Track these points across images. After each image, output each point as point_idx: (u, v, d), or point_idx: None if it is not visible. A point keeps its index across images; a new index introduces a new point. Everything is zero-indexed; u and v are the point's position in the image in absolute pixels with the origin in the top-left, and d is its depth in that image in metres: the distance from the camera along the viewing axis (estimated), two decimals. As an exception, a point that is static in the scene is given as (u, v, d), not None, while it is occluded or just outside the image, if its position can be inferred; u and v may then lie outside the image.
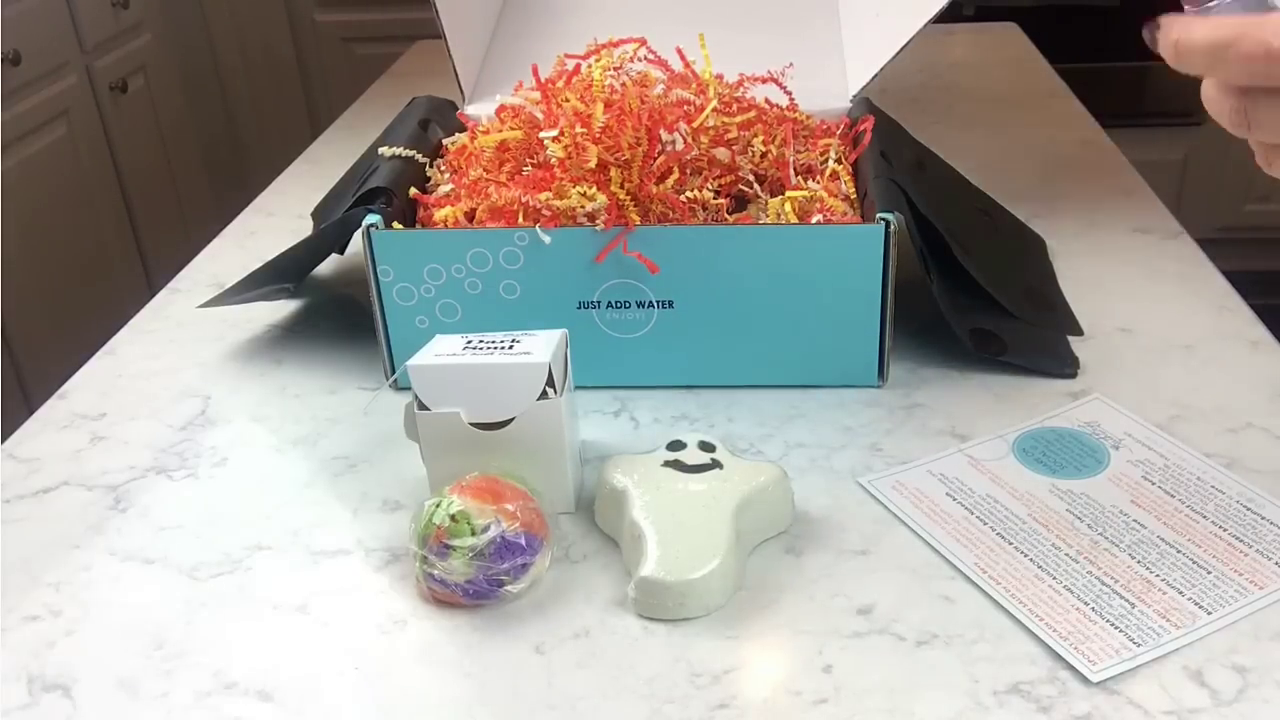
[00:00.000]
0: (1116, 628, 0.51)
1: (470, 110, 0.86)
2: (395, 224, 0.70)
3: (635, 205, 0.68)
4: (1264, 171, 0.42)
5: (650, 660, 0.52)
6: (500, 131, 0.75)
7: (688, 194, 0.70)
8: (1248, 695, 0.48)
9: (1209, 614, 0.52)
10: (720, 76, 0.78)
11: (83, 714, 0.51)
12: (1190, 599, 0.53)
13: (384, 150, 0.77)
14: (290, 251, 0.78)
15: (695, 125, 0.73)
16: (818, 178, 0.75)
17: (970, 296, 0.73)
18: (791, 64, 0.80)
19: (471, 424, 0.59)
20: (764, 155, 0.75)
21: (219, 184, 2.32)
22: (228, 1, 2.37)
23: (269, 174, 1.12)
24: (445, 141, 0.82)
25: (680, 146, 0.71)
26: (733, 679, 0.50)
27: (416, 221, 0.74)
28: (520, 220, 0.69)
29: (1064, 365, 0.72)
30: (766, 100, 0.79)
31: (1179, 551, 0.56)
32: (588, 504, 0.62)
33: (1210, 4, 0.40)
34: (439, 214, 0.72)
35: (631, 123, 0.69)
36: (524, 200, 0.69)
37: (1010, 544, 0.57)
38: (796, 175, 0.75)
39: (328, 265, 0.89)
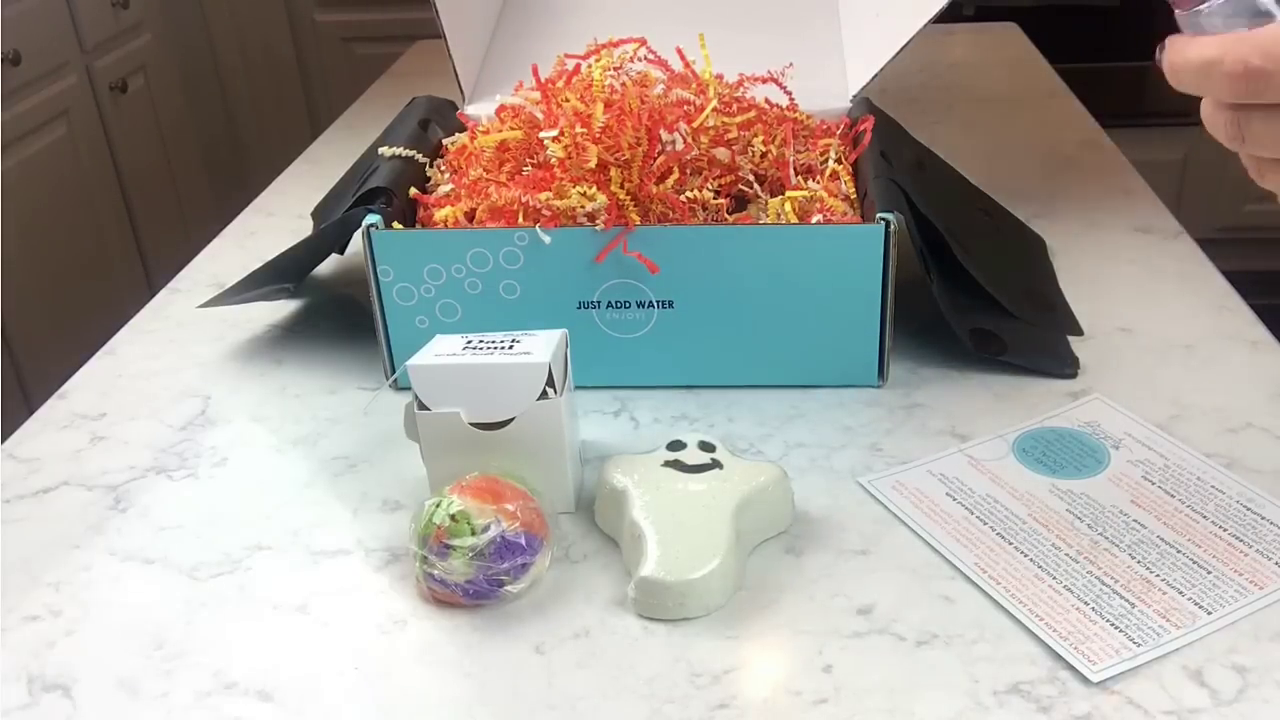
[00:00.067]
0: (1116, 628, 0.51)
1: (470, 110, 0.86)
2: (395, 224, 0.70)
3: (635, 205, 0.68)
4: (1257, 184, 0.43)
5: (650, 660, 0.52)
6: (500, 131, 0.75)
7: (688, 194, 0.70)
8: (1248, 695, 0.48)
9: (1209, 614, 0.52)
10: (720, 76, 0.78)
11: (83, 714, 0.51)
12: (1190, 599, 0.53)
13: (384, 150, 0.77)
14: (290, 251, 0.78)
15: (695, 125, 0.73)
16: (818, 178, 0.75)
17: (970, 296, 0.73)
18: (791, 64, 0.80)
19: (471, 424, 0.59)
20: (764, 155, 0.75)
21: (219, 184, 2.32)
22: (228, 1, 2.37)
23: (269, 174, 1.12)
24: (445, 141, 0.82)
25: (680, 146, 0.71)
26: (733, 679, 0.50)
27: (416, 221, 0.74)
28: (520, 220, 0.69)
29: (1064, 365, 0.72)
30: (766, 100, 0.79)
31: (1179, 551, 0.56)
32: (588, 504, 0.62)
33: (1201, 8, 0.40)
34: (439, 214, 0.72)
35: (631, 123, 0.69)
36: (524, 200, 0.69)
37: (1010, 544, 0.57)
38: (796, 175, 0.75)
39: (328, 265, 0.89)
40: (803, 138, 0.79)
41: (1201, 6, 0.40)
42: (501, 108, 0.78)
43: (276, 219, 1.01)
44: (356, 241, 0.71)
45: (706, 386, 0.72)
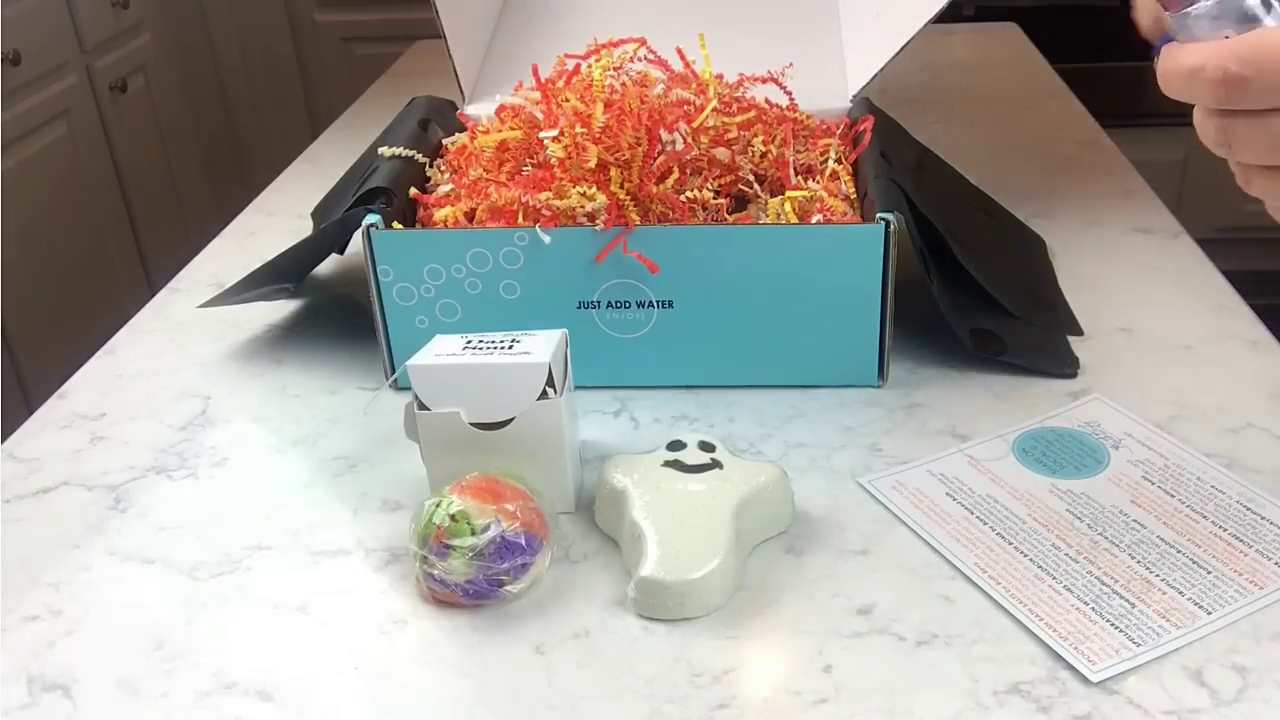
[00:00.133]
0: (1116, 628, 0.51)
1: (470, 110, 0.86)
2: (395, 224, 0.70)
3: (635, 205, 0.68)
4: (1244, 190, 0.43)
5: (650, 660, 0.52)
6: (500, 131, 0.75)
7: (688, 194, 0.70)
8: (1248, 695, 0.48)
9: (1209, 614, 0.52)
10: (720, 76, 0.78)
11: (83, 714, 0.51)
12: (1190, 599, 0.53)
13: (384, 150, 0.77)
14: (290, 251, 0.78)
15: (695, 125, 0.72)
16: (818, 178, 0.75)
17: (970, 296, 0.73)
18: (791, 64, 0.80)
19: (471, 424, 0.59)
20: (764, 155, 0.75)
21: (219, 184, 2.32)
22: (228, 1, 2.37)
23: (269, 174, 1.12)
24: (445, 141, 0.82)
25: (680, 146, 0.71)
26: (733, 679, 0.50)
27: (416, 221, 0.74)
28: (520, 220, 0.69)
29: (1064, 365, 0.72)
30: (766, 100, 0.79)
31: (1179, 551, 0.56)
32: (588, 504, 0.62)
33: (1188, 10, 0.40)
34: (439, 214, 0.72)
35: (631, 123, 0.69)
36: (524, 200, 0.69)
37: (1010, 544, 0.57)
38: (796, 175, 0.75)
39: (328, 265, 0.89)
40: (803, 138, 0.79)
41: (1189, 10, 0.41)
42: (501, 108, 0.78)
43: (276, 219, 1.01)
44: (356, 241, 0.71)
45: (706, 386, 0.72)
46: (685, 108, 0.74)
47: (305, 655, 0.53)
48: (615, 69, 0.76)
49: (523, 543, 0.54)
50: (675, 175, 0.70)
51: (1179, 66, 0.40)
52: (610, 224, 0.67)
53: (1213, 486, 0.60)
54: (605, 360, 0.71)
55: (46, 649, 0.54)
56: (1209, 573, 0.54)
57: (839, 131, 0.80)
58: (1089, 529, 0.58)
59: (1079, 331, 0.76)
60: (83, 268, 1.81)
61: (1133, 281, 0.82)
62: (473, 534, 0.53)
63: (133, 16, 1.99)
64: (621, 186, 0.68)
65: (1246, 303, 0.79)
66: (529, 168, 0.73)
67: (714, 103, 0.74)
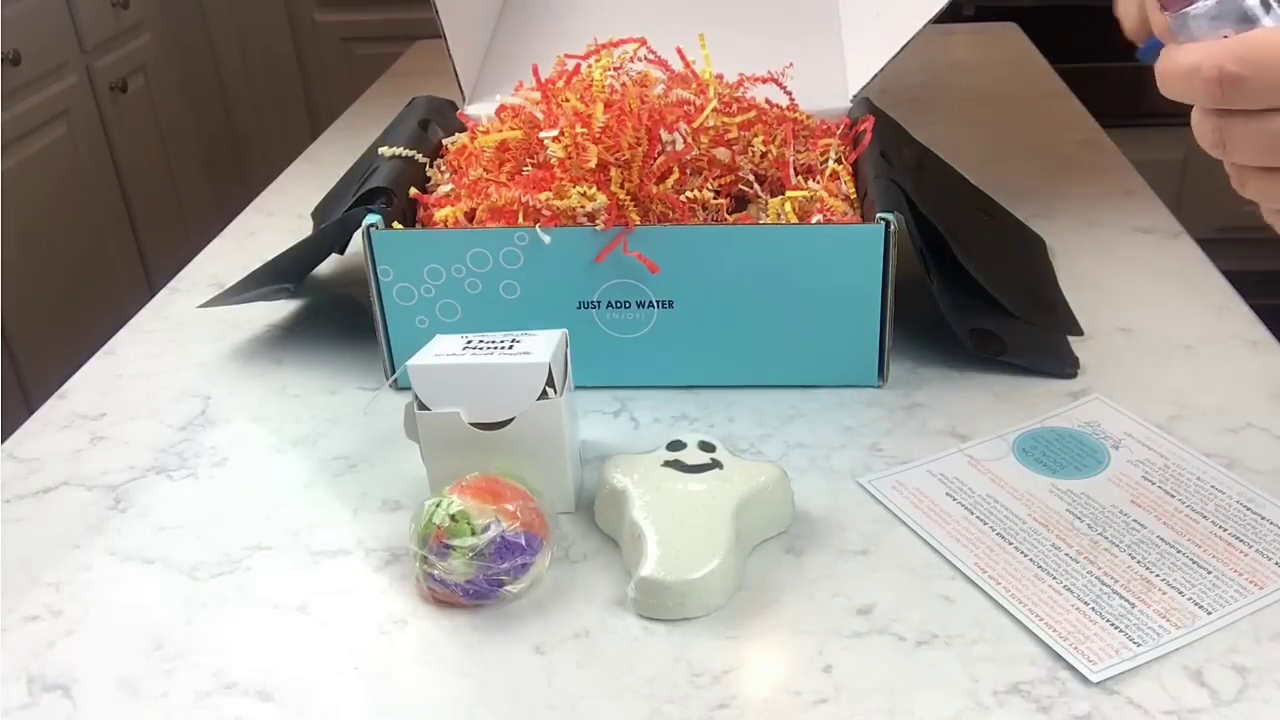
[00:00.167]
0: (1116, 628, 0.51)
1: (470, 110, 0.86)
2: (395, 224, 0.70)
3: (635, 205, 0.68)
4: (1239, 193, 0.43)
5: (650, 660, 0.52)
6: (500, 131, 0.75)
7: (688, 194, 0.70)
8: (1248, 695, 0.48)
9: (1209, 614, 0.52)
10: (720, 76, 0.78)
11: (83, 714, 0.51)
12: (1190, 599, 0.53)
13: (384, 150, 0.77)
14: (290, 251, 0.78)
15: (695, 125, 0.72)
16: (818, 178, 0.75)
17: (970, 296, 0.73)
18: (791, 64, 0.80)
19: (471, 424, 0.59)
20: (764, 155, 0.75)
21: (219, 184, 2.32)
22: (228, 1, 2.37)
23: (269, 174, 1.12)
24: (445, 141, 0.82)
25: (680, 146, 0.71)
26: (733, 679, 0.50)
27: (416, 221, 0.74)
28: (520, 220, 0.69)
29: (1064, 365, 0.72)
30: (766, 100, 0.79)
31: (1179, 551, 0.56)
32: (588, 504, 0.62)
33: (1187, 10, 0.40)
34: (439, 214, 0.72)
35: (631, 123, 0.69)
36: (524, 200, 0.69)
37: (1010, 544, 0.57)
38: (796, 175, 0.75)
39: (328, 265, 0.89)
40: (803, 138, 0.79)
41: (1188, 9, 0.40)
42: (501, 108, 0.78)
43: (276, 219, 1.01)
44: (356, 241, 0.71)
45: (706, 386, 0.72)
46: (685, 108, 0.74)
47: (305, 655, 0.53)
48: (615, 69, 0.76)
49: (523, 543, 0.54)
50: (675, 175, 0.70)
51: (1176, 66, 0.40)
52: (610, 224, 0.67)
53: (1213, 486, 0.60)
54: (605, 360, 0.71)
55: (46, 649, 0.55)
56: (1209, 573, 0.54)
57: (839, 131, 0.80)
58: (1089, 529, 0.58)
59: (1079, 331, 0.76)
60: (83, 268, 1.81)
61: (1133, 281, 0.82)
62: (473, 534, 0.53)
63: (133, 16, 1.99)
64: (621, 186, 0.68)
65: (1246, 303, 0.79)
66: (529, 168, 0.73)
67: (714, 103, 0.74)
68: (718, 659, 0.51)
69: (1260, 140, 0.40)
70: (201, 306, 0.83)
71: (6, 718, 0.51)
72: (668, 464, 0.59)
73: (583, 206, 0.67)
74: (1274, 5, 0.39)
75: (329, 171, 0.94)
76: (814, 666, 0.51)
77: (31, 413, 0.74)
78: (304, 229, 0.91)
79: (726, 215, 0.73)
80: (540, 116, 0.74)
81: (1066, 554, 0.56)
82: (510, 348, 0.59)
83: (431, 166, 0.79)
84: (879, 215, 0.66)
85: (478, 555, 0.53)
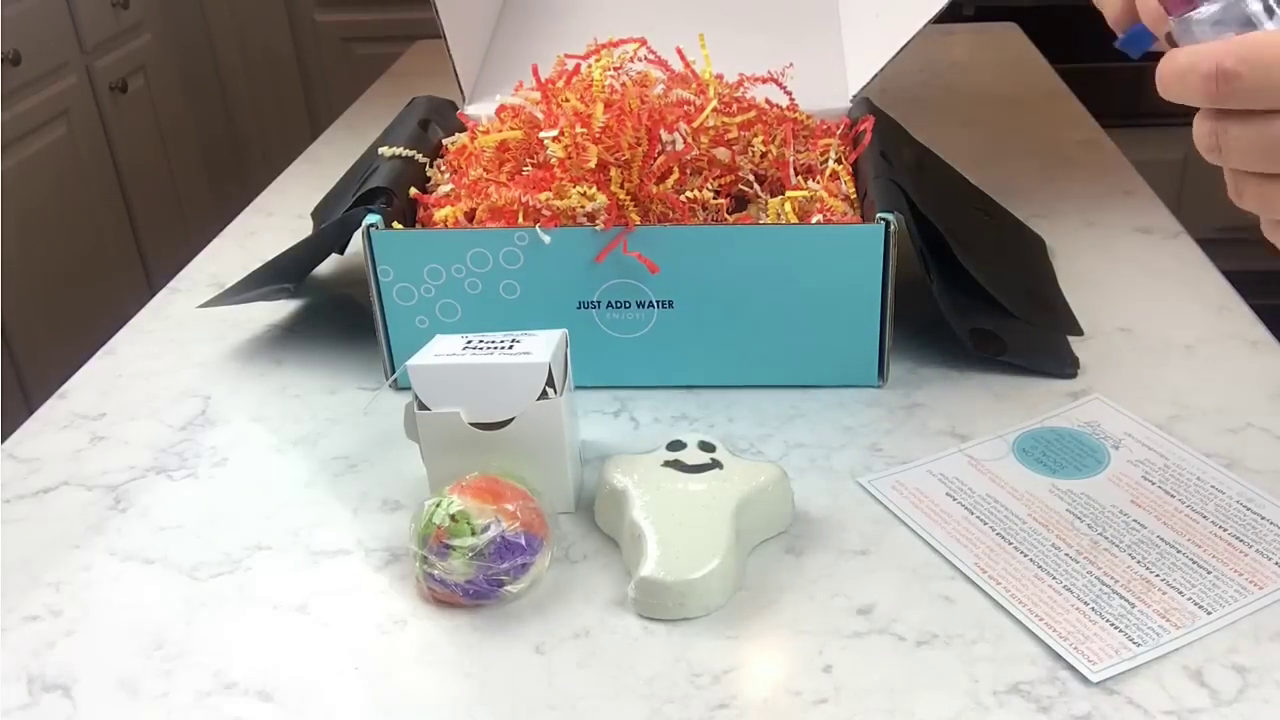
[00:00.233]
0: (1116, 628, 0.51)
1: (470, 110, 0.86)
2: (395, 224, 0.70)
3: (635, 205, 0.68)
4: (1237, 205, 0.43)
5: (650, 660, 0.52)
6: (500, 131, 0.75)
7: (688, 194, 0.70)
8: (1248, 695, 0.48)
9: (1209, 614, 0.52)
10: (720, 76, 0.78)
11: (83, 714, 0.51)
12: (1190, 599, 0.53)
13: (384, 150, 0.77)
14: (290, 251, 0.78)
15: (695, 125, 0.72)
16: (818, 178, 0.75)
17: (970, 296, 0.73)
18: (791, 64, 0.80)
19: (471, 424, 0.59)
20: (764, 155, 0.75)
21: (219, 184, 2.32)
22: (228, 1, 2.37)
23: (269, 174, 1.12)
24: (445, 141, 0.82)
25: (680, 146, 0.71)
26: (733, 679, 0.50)
27: (416, 221, 0.74)
28: (520, 220, 0.69)
29: (1064, 365, 0.72)
30: (766, 100, 0.79)
31: (1179, 551, 0.56)
32: (588, 504, 0.62)
33: (1191, 15, 0.40)
34: (439, 214, 0.72)
35: (631, 123, 0.69)
36: (524, 200, 0.69)
37: (1010, 544, 0.57)
38: (796, 175, 0.75)
39: (328, 265, 0.89)
40: (803, 138, 0.79)
41: (1192, 14, 0.40)
42: (501, 108, 0.78)
43: (276, 219, 1.01)
44: (356, 241, 0.71)
45: (706, 386, 0.72)
46: (685, 108, 0.74)
47: (305, 655, 0.53)
48: (615, 69, 0.76)
49: (523, 543, 0.54)
50: (675, 175, 0.70)
51: (1175, 65, 0.40)
52: (610, 224, 0.67)
53: (1213, 486, 0.60)
54: (605, 360, 0.71)
55: (46, 649, 0.55)
56: (1209, 573, 0.54)
57: (839, 131, 0.80)
58: (1089, 529, 0.58)
59: (1079, 331, 0.76)
60: (83, 268, 1.81)
61: (1133, 281, 0.82)
62: (473, 534, 0.53)
63: (133, 16, 1.99)
64: (621, 186, 0.68)
65: (1246, 303, 0.79)
66: (529, 168, 0.73)
67: (714, 103, 0.74)
68: (718, 659, 0.51)
69: (1257, 144, 0.39)
70: (201, 306, 0.83)
71: (6, 718, 0.51)
72: (668, 464, 0.59)
73: (583, 206, 0.67)
74: (1278, 11, 0.39)
75: (329, 171, 0.94)
76: (814, 666, 0.51)
77: (31, 413, 0.74)
78: (304, 229, 0.91)
79: (726, 215, 0.73)
80: (540, 116, 0.74)
81: (1066, 554, 0.56)
82: (510, 348, 0.59)
83: (431, 166, 0.79)
84: (879, 215, 0.66)
85: (478, 555, 0.53)
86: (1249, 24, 0.39)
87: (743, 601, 0.55)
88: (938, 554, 0.57)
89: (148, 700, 0.51)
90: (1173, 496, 0.60)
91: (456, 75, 0.86)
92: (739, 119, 0.76)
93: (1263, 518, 0.58)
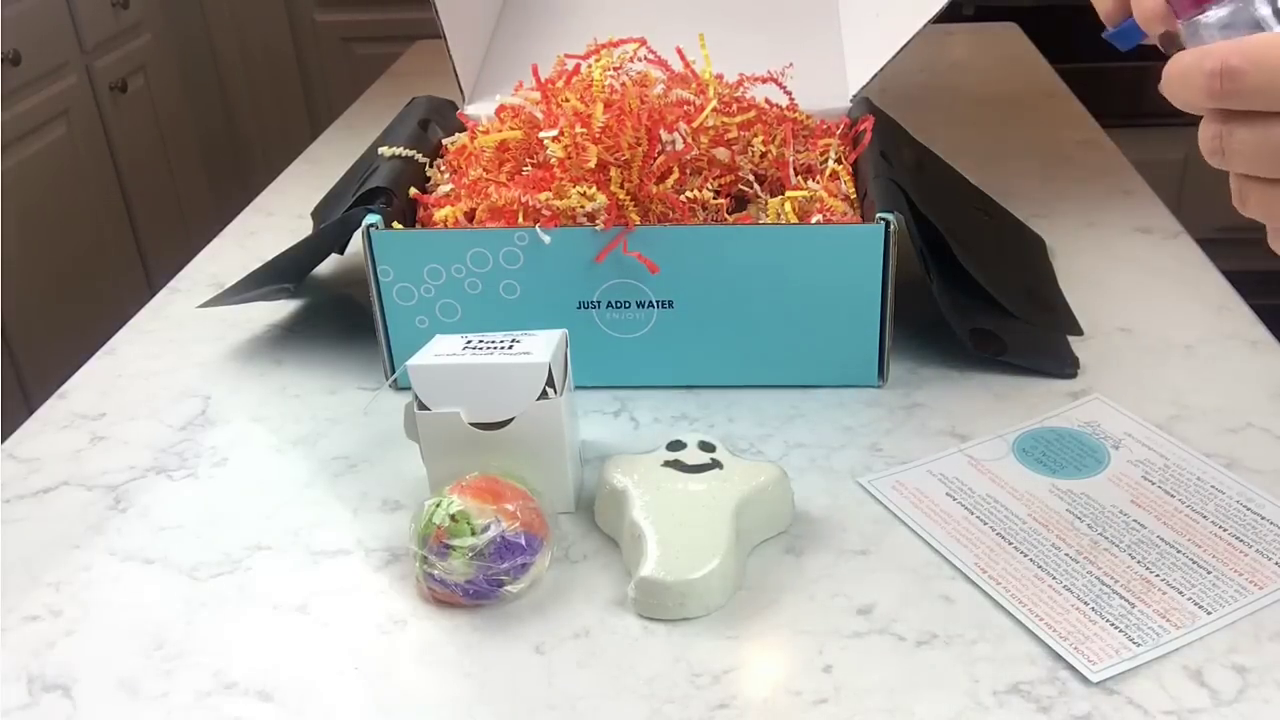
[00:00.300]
0: (1116, 628, 0.51)
1: (470, 110, 0.86)
2: (395, 224, 0.70)
3: (635, 205, 0.68)
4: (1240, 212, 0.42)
5: (650, 660, 0.52)
6: (500, 131, 0.75)
7: (688, 194, 0.70)
8: (1248, 695, 0.48)
9: (1209, 614, 0.52)
10: (720, 76, 0.78)
11: (83, 714, 0.51)
12: (1190, 599, 0.53)
13: (384, 150, 0.77)
14: (290, 251, 0.78)
15: (695, 125, 0.72)
16: (818, 178, 0.75)
17: (970, 296, 0.73)
18: (791, 64, 0.80)
19: (471, 424, 0.59)
20: (764, 155, 0.75)
21: (219, 184, 2.32)
22: (228, 1, 2.37)
23: (269, 174, 1.12)
24: (445, 141, 0.82)
25: (680, 146, 0.71)
26: (733, 679, 0.50)
27: (416, 221, 0.74)
28: (520, 220, 0.69)
29: (1064, 365, 0.72)
30: (766, 100, 0.79)
31: (1179, 551, 0.56)
32: (588, 504, 0.62)
33: (1199, 18, 0.40)
34: (439, 214, 0.72)
35: (631, 123, 0.69)
36: (524, 200, 0.69)
37: (1010, 544, 0.57)
38: (796, 175, 0.75)
39: (328, 265, 0.89)
40: (803, 138, 0.79)
41: (1200, 16, 0.40)
42: (501, 108, 0.78)
43: (276, 219, 1.01)
44: (356, 241, 0.71)
45: (706, 386, 0.72)
46: (685, 108, 0.74)
47: (305, 655, 0.53)
48: (615, 69, 0.76)
49: (523, 543, 0.54)
50: (675, 175, 0.70)
51: (1181, 65, 0.40)
52: (610, 224, 0.67)
53: (1213, 486, 0.60)
54: (605, 360, 0.71)
55: (46, 649, 0.55)
56: (1209, 573, 0.54)
57: (839, 131, 0.80)
58: (1089, 529, 0.58)
59: (1079, 331, 0.76)
60: (83, 268, 1.81)
61: (1133, 281, 0.82)
62: (473, 534, 0.53)
63: (133, 16, 1.99)
64: (621, 186, 0.68)
65: (1246, 303, 0.79)
66: (529, 168, 0.73)
67: (714, 103, 0.74)
68: (718, 659, 0.51)
69: (1262, 147, 0.39)
70: (201, 306, 0.83)
71: (6, 718, 0.51)
72: (668, 464, 0.59)
73: (583, 206, 0.67)
74: None
75: (329, 171, 0.94)
76: (814, 666, 0.51)
77: (31, 413, 0.74)
78: (304, 229, 0.91)
79: (726, 215, 0.73)
80: (540, 116, 0.74)
81: (1066, 554, 0.56)
82: (510, 348, 0.59)
83: (431, 166, 0.79)
84: (879, 215, 0.66)
85: (478, 555, 0.53)
86: (1258, 28, 0.39)
87: (743, 601, 0.55)
88: (938, 554, 0.57)
89: (148, 700, 0.51)
90: (1173, 496, 0.60)
91: (456, 75, 0.86)
92: (739, 119, 0.76)
93: (1263, 518, 0.58)
